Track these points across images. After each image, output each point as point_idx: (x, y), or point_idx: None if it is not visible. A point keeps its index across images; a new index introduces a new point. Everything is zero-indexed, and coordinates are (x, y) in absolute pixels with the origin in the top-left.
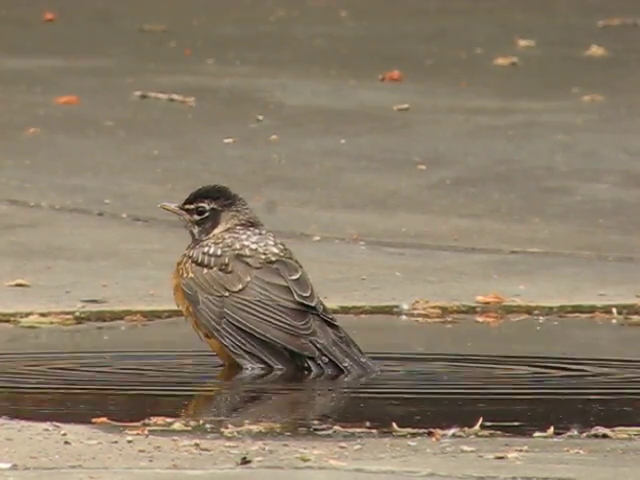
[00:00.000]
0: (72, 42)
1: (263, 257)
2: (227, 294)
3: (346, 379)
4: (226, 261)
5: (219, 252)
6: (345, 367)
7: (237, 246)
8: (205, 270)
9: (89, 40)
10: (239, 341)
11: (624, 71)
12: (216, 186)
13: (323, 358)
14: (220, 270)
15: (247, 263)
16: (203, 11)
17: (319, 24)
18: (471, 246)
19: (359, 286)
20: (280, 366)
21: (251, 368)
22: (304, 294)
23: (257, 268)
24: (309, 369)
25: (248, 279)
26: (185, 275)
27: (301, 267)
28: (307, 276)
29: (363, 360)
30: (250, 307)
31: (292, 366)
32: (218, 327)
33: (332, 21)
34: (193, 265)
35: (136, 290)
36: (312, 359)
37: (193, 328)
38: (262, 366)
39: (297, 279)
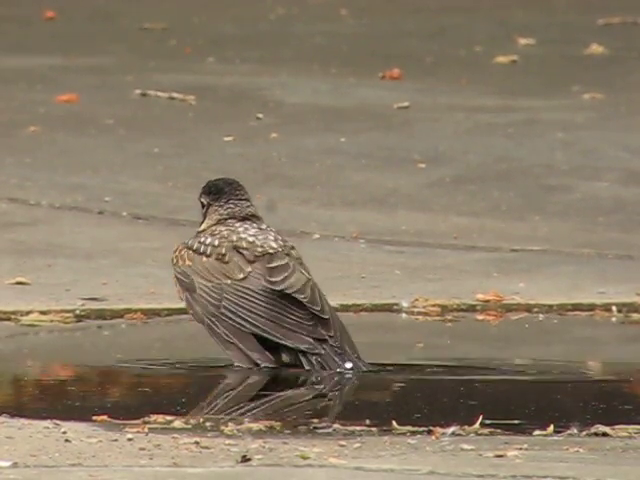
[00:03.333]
0: (72, 40)
1: (260, 250)
2: (229, 282)
3: (344, 377)
4: (223, 251)
5: (216, 242)
6: (336, 364)
7: (233, 238)
8: (204, 258)
9: (89, 38)
10: (232, 332)
11: (624, 69)
12: (217, 179)
13: (315, 355)
14: (217, 259)
15: (243, 255)
16: (203, 9)
17: (319, 22)
18: (471, 244)
19: (359, 284)
20: (272, 359)
21: (239, 361)
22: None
23: (252, 262)
24: (301, 364)
25: (249, 269)
26: (181, 263)
27: (302, 264)
28: (308, 275)
29: (354, 357)
30: (245, 298)
31: (282, 360)
32: (212, 317)
33: (332, 19)
34: (190, 252)
35: (136, 288)
36: (304, 354)
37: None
38: (255, 359)
39: (285, 275)
